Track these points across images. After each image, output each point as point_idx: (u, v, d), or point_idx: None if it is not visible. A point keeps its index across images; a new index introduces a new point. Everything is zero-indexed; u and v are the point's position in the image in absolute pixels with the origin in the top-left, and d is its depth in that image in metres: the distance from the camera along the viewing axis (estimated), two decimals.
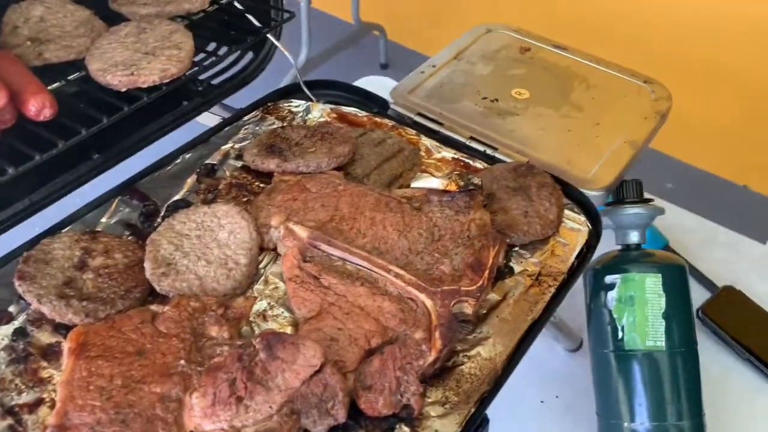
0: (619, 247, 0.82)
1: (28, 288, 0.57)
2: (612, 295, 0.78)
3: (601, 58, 0.95)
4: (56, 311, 0.56)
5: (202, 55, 0.76)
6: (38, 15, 0.70)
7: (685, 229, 1.10)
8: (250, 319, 0.59)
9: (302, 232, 0.62)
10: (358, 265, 0.60)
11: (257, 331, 0.58)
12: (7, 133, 0.59)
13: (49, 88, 0.62)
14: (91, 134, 0.63)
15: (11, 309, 0.59)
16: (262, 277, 0.63)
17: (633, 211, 0.81)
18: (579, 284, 0.80)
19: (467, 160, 0.76)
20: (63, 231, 0.65)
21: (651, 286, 0.77)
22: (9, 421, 0.51)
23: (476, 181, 0.72)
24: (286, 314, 0.60)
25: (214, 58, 0.76)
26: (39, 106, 0.59)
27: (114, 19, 0.73)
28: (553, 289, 0.64)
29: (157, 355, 0.53)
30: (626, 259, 0.80)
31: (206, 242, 0.63)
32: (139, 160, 0.75)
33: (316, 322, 0.56)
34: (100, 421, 0.48)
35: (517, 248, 0.67)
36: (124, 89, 0.65)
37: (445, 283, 0.59)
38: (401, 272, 0.59)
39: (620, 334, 0.77)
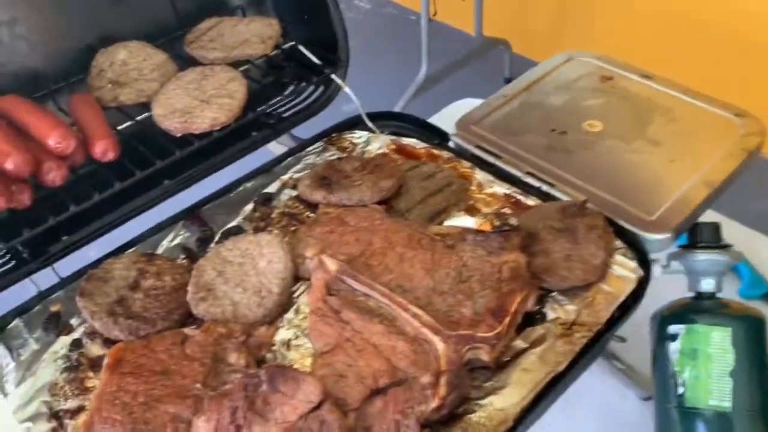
0: (692, 294, 0.76)
1: (85, 304, 0.64)
2: (675, 346, 0.73)
3: (690, 88, 0.89)
4: (104, 327, 0.63)
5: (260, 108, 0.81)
6: (122, 59, 0.78)
7: None
8: (275, 347, 0.62)
9: (331, 265, 0.63)
10: (378, 298, 0.61)
11: (278, 360, 0.61)
12: (77, 170, 0.67)
13: (118, 128, 0.70)
14: (145, 175, 0.69)
15: (73, 321, 0.66)
16: (294, 306, 0.66)
17: (706, 257, 0.75)
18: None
19: (519, 197, 0.75)
20: (127, 252, 0.72)
21: (717, 340, 0.71)
22: (53, 424, 0.58)
23: (513, 221, 0.70)
24: (309, 345, 0.62)
25: (271, 104, 0.81)
26: (103, 150, 0.66)
27: (188, 61, 0.80)
28: (584, 341, 0.60)
29: (178, 376, 0.57)
30: (694, 308, 0.74)
31: (246, 270, 0.67)
32: (207, 184, 0.81)
33: (329, 356, 0.58)
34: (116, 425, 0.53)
35: (554, 293, 0.65)
36: (179, 135, 0.71)
37: (462, 327, 0.58)
38: (419, 312, 0.59)
39: (682, 390, 0.71)
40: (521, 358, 0.60)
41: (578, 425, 0.82)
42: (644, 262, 0.67)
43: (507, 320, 0.59)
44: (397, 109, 2.42)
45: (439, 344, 0.57)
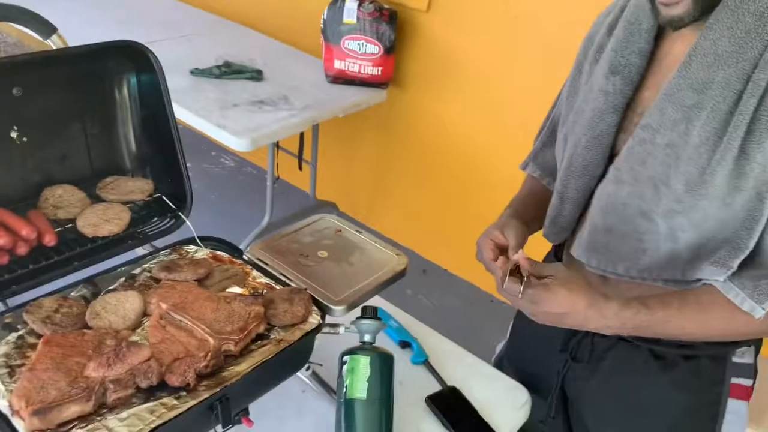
0: (360, 342, 1.46)
1: (29, 317, 1.23)
2: (345, 366, 1.41)
3: (379, 240, 1.66)
4: (39, 328, 1.22)
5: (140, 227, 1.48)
6: (59, 193, 1.42)
7: (444, 350, 1.74)
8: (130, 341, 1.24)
9: (164, 305, 1.28)
10: (186, 322, 1.26)
11: None
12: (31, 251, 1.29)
13: (56, 230, 1.33)
14: (70, 255, 1.33)
15: (19, 326, 1.24)
16: (143, 325, 1.28)
17: (366, 323, 1.46)
18: None
19: (272, 284, 1.44)
20: (53, 296, 1.32)
21: (362, 363, 1.40)
22: (8, 370, 1.15)
23: (261, 292, 1.39)
24: (146, 342, 1.24)
25: (143, 226, 1.49)
26: (49, 239, 1.29)
27: (97, 198, 1.46)
28: (283, 347, 1.28)
29: (81, 347, 1.17)
30: (358, 348, 1.44)
31: (119, 307, 1.29)
32: (101, 266, 1.43)
33: (157, 344, 1.21)
34: (46, 370, 1.12)
35: (276, 327, 1.33)
36: (91, 236, 1.35)
37: (223, 335, 1.24)
38: (206, 328, 1.24)
39: (345, 390, 1.39)
40: (251, 352, 1.26)
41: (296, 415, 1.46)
42: (323, 318, 1.37)
43: (245, 334, 1.25)
44: (243, 245, 3.12)
45: (212, 341, 1.22)
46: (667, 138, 1.15)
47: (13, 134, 1.38)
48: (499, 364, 1.91)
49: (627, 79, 1.24)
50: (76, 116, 1.50)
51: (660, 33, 1.24)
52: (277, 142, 3.24)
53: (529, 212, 1.53)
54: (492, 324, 1.72)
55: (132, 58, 1.50)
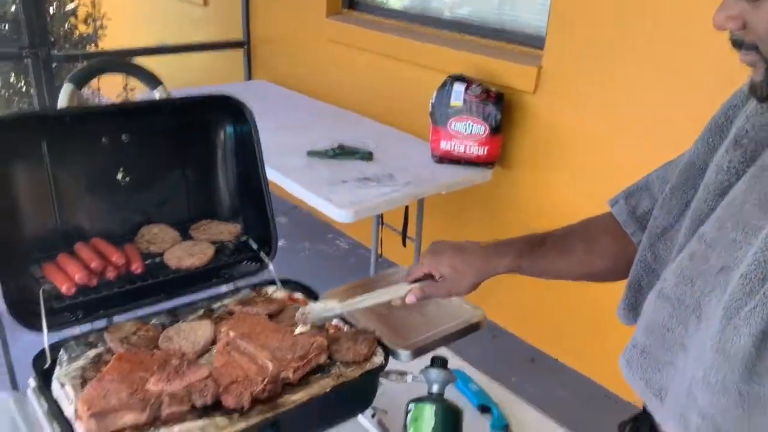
0: (428, 393, 1.40)
1: (110, 337, 1.31)
2: (410, 414, 1.36)
3: None
4: (116, 347, 1.29)
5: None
6: (154, 232, 1.54)
7: (528, 419, 1.62)
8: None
9: (232, 333, 1.31)
10: (250, 349, 1.28)
11: None
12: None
13: (146, 262, 1.44)
14: (156, 282, 1.42)
15: (99, 344, 1.32)
16: (209, 351, 1.32)
17: (434, 373, 1.40)
18: None
19: (342, 326, 1.44)
20: (132, 320, 1.40)
21: (428, 412, 1.34)
22: (81, 380, 1.21)
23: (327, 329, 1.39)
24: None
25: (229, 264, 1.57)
26: (137, 267, 1.39)
27: (189, 237, 1.57)
28: (341, 382, 1.25)
29: (148, 364, 1.22)
30: (424, 397, 1.38)
31: (191, 333, 1.34)
32: (184, 299, 1.51)
33: (220, 367, 1.24)
34: (112, 381, 1.17)
35: (338, 363, 1.31)
36: (174, 267, 1.44)
37: (284, 363, 1.24)
38: (267, 354, 1.25)
39: None
40: (310, 384, 1.24)
41: None
42: (386, 359, 1.34)
43: (304, 362, 1.25)
44: None
45: (271, 366, 1.23)
46: (723, 261, 0.88)
47: (119, 175, 1.53)
48: None
49: (746, 157, 0.93)
50: (178, 163, 1.63)
51: None
52: (382, 218, 3.31)
53: (552, 256, 1.37)
54: (607, 420, 1.54)
55: (230, 112, 1.63)
